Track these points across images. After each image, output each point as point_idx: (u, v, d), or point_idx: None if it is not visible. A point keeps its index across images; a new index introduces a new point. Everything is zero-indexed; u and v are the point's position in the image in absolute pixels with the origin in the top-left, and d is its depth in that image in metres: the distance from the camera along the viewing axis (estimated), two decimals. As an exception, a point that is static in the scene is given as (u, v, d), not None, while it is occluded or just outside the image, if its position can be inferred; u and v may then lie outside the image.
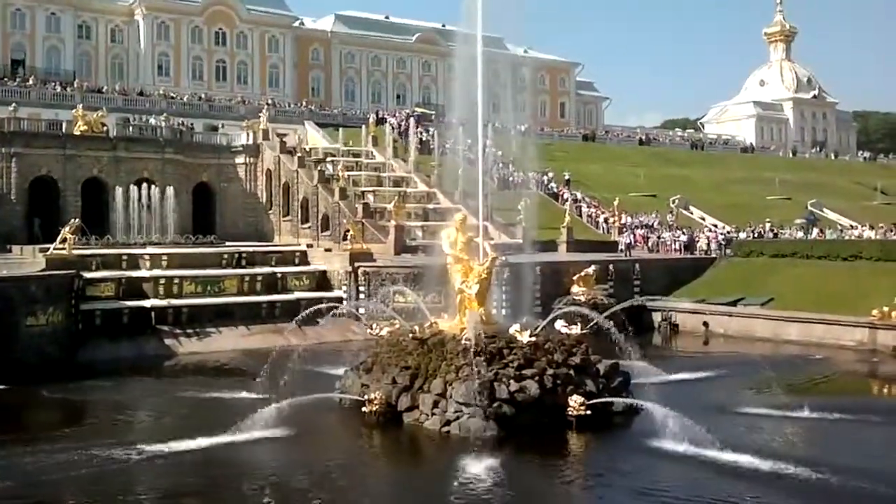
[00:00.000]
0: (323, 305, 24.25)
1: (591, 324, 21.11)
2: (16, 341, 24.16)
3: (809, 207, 59.64)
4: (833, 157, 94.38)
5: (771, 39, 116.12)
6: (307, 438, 17.42)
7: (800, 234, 48.80)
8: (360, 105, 76.91)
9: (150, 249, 32.85)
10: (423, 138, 55.53)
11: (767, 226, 50.05)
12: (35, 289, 25.44)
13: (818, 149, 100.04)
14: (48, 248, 28.74)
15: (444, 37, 77.09)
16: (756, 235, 47.25)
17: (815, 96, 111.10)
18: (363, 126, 54.83)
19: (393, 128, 55.37)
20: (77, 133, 41.39)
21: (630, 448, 17.04)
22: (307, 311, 23.99)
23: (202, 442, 16.15)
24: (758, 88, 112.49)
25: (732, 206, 56.72)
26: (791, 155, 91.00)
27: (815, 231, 50.14)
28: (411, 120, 57.74)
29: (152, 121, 48.36)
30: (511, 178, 53.38)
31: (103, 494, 13.96)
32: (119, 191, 38.74)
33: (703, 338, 33.19)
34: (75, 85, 58.17)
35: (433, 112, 71.46)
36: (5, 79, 58.11)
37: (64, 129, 41.52)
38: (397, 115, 65.65)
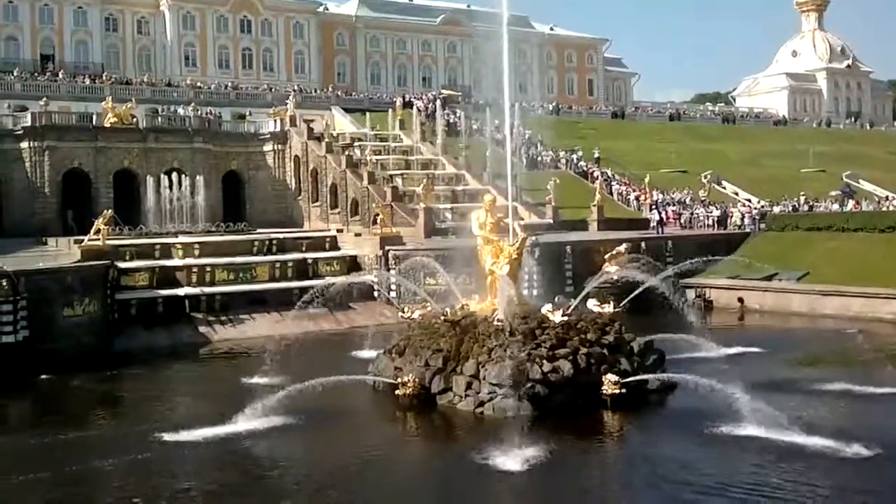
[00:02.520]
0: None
1: (624, 302, 20.93)
2: (54, 332, 24.44)
3: (845, 179, 58.66)
4: (868, 128, 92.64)
5: (803, 9, 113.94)
6: (343, 423, 17.47)
7: (835, 207, 48.08)
8: (387, 89, 76.71)
9: (182, 238, 33.07)
10: (451, 120, 55.33)
11: (802, 199, 49.37)
12: (71, 280, 25.68)
13: (853, 119, 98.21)
14: (83, 240, 29.02)
15: (469, 17, 76.57)
16: (791, 209, 46.59)
17: (848, 66, 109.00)
18: (390, 110, 54.77)
19: (420, 111, 55.22)
20: (107, 125, 41.83)
21: (669, 427, 16.86)
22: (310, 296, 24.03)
23: (240, 426, 16.23)
24: (790, 59, 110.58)
25: (766, 180, 55.98)
26: (825, 126, 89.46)
27: (851, 203, 49.38)
28: (438, 102, 57.51)
29: (180, 111, 48.65)
30: (540, 158, 53.08)
31: (140, 481, 14.11)
32: (150, 181, 39.07)
33: (738, 313, 32.82)
34: (104, 78, 58.62)
35: (460, 94, 71.12)
36: (35, 74, 58.69)
37: (94, 122, 41.99)
38: (424, 97, 65.43)
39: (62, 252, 31.57)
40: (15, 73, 56.42)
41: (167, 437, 15.90)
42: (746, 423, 15.23)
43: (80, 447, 16.18)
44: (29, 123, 40.75)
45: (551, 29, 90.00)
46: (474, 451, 14.50)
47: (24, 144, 40.46)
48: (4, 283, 23.00)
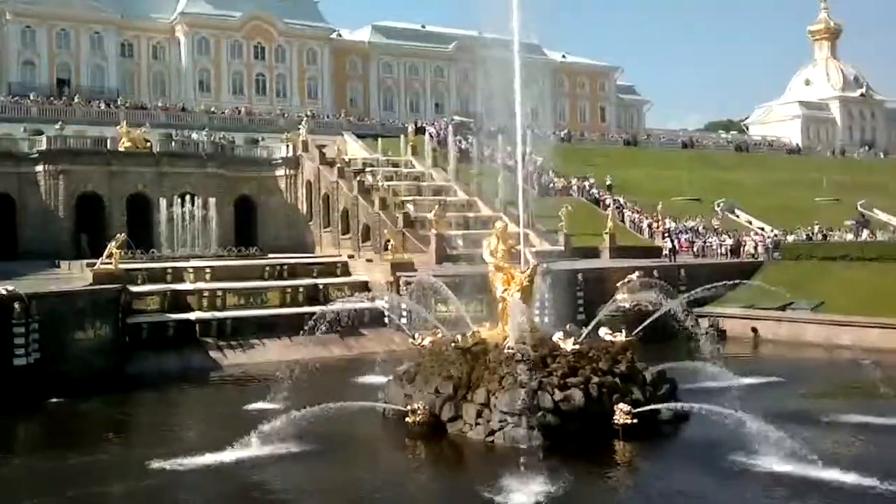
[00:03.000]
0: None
1: (637, 330, 20.75)
2: (65, 355, 24.45)
3: (859, 208, 58.30)
4: (883, 156, 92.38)
5: (815, 38, 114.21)
6: (351, 450, 17.33)
7: (850, 236, 47.71)
8: (399, 115, 77.13)
9: (194, 263, 33.12)
10: (463, 146, 55.43)
11: (816, 228, 49.04)
12: (83, 303, 25.76)
13: (867, 148, 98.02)
14: (95, 263, 29.07)
15: (481, 44, 76.95)
16: (805, 238, 46.30)
17: (862, 94, 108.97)
18: (402, 136, 54.95)
19: (432, 137, 55.33)
20: (122, 149, 42.11)
21: (682, 459, 16.63)
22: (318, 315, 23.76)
23: (247, 453, 16.09)
24: (803, 88, 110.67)
25: (780, 209, 55.65)
26: (839, 155, 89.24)
27: (866, 233, 48.99)
28: (450, 128, 57.66)
29: (194, 136, 48.95)
30: (552, 185, 53.04)
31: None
32: (163, 205, 39.23)
33: (751, 343, 32.53)
34: (119, 102, 59.20)
35: (472, 120, 71.34)
36: (52, 98, 59.32)
37: (109, 146, 42.25)
38: (436, 123, 65.65)
39: (75, 275, 31.64)
40: (31, 97, 57.02)
41: (174, 463, 15.77)
42: (762, 455, 15.00)
43: (87, 472, 16.08)
44: (44, 147, 41.08)
45: (563, 56, 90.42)
46: (484, 484, 14.28)
47: (39, 168, 40.76)
48: (17, 306, 23.03)
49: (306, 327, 22.61)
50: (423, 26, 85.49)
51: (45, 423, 21.10)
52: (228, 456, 16.01)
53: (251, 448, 16.19)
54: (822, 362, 28.44)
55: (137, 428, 20.75)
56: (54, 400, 22.10)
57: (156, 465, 15.75)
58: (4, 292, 23.25)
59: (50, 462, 16.70)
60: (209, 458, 15.96)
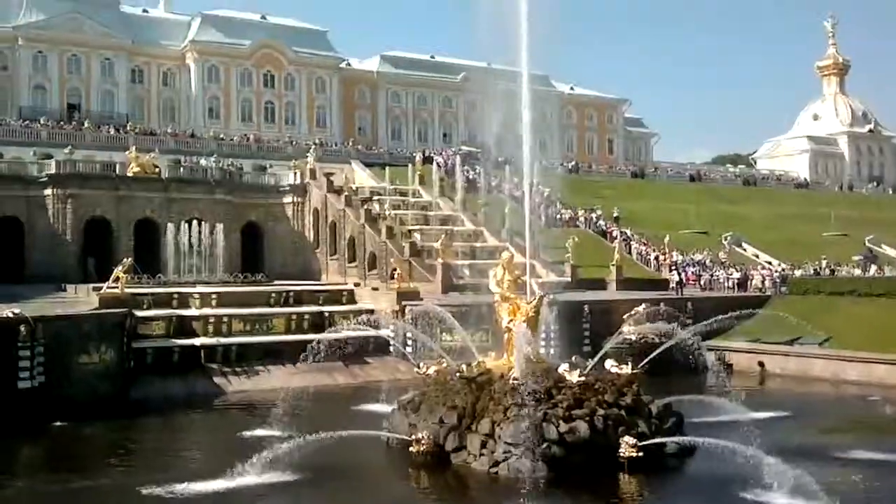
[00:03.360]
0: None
1: (643, 363, 20.65)
2: (69, 378, 24.40)
3: (867, 244, 58.21)
4: (891, 192, 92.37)
5: (824, 73, 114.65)
6: (355, 479, 17.19)
7: (858, 272, 47.60)
8: (407, 144, 77.52)
9: (200, 288, 33.13)
10: (470, 176, 55.59)
11: (824, 263, 48.93)
12: (88, 327, 25.74)
13: (875, 184, 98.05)
14: (101, 287, 29.13)
15: (490, 75, 77.42)
16: (812, 273, 46.18)
17: (870, 130, 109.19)
18: (410, 165, 55.12)
19: (439, 166, 55.57)
20: (130, 174, 42.26)
21: (688, 493, 16.46)
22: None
23: (250, 480, 15.99)
24: (811, 123, 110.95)
25: (787, 243, 55.61)
26: (847, 190, 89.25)
27: (874, 268, 48.88)
28: (458, 158, 57.88)
29: (203, 162, 49.21)
30: (559, 216, 53.10)
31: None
32: (170, 230, 39.33)
33: (758, 377, 32.33)
34: (128, 128, 59.62)
35: (480, 150, 71.58)
36: (62, 122, 59.78)
37: (118, 171, 42.43)
38: (444, 153, 65.93)
39: (81, 299, 31.67)
40: (42, 122, 57.47)
41: (174, 490, 15.67)
42: (769, 490, 14.83)
43: (87, 496, 15.98)
44: (53, 171, 41.29)
45: (571, 88, 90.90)
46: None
47: (48, 191, 40.94)
48: (22, 329, 23.02)
49: (309, 353, 22.53)
50: (432, 56, 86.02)
51: (48, 447, 20.99)
52: (230, 483, 15.88)
53: (252, 476, 16.07)
54: (830, 397, 28.26)
55: (140, 453, 20.60)
56: (58, 423, 22.02)
57: (156, 491, 15.65)
58: (10, 315, 23.27)
59: (51, 486, 16.59)
60: (212, 485, 15.85)
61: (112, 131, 58.13)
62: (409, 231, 43.02)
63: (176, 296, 31.96)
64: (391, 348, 31.28)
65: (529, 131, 23.48)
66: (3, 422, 20.82)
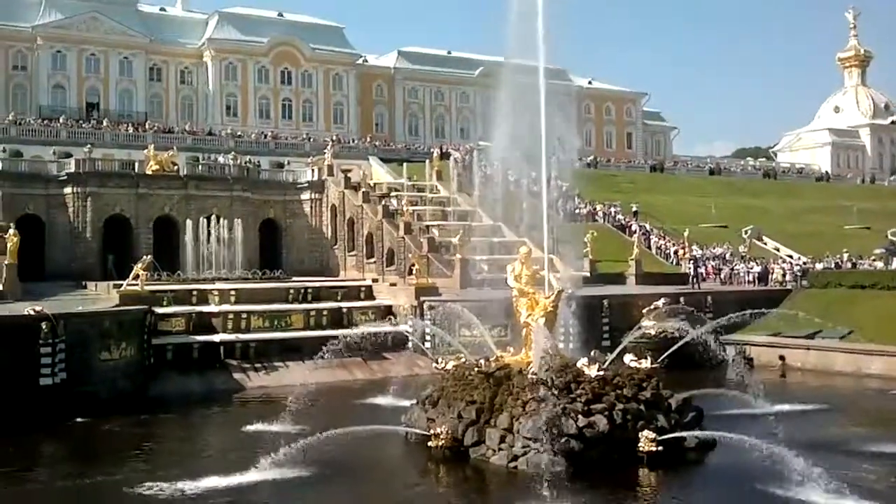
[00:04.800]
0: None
1: (662, 357, 20.51)
2: (90, 375, 24.58)
3: (890, 237, 57.52)
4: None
5: (845, 65, 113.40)
6: (374, 474, 17.23)
7: (880, 265, 47.05)
8: (424, 139, 77.45)
9: (219, 285, 33.28)
10: (488, 172, 55.40)
11: (845, 256, 48.43)
12: (109, 324, 25.92)
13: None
14: (121, 285, 29.34)
15: (507, 70, 77.20)
16: (833, 266, 45.73)
17: (892, 122, 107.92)
18: (427, 160, 55.04)
19: (457, 161, 55.41)
20: (149, 172, 42.49)
21: (707, 487, 16.34)
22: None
23: (269, 475, 16.02)
24: (832, 115, 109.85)
25: (808, 236, 55.07)
26: (869, 183, 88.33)
27: (896, 261, 48.28)
28: (475, 153, 57.69)
29: (221, 159, 49.38)
30: (577, 211, 52.86)
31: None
32: (189, 227, 39.53)
33: (778, 371, 32.04)
34: (147, 126, 59.93)
35: (496, 145, 71.35)
36: (80, 121, 60.21)
37: (136, 169, 42.69)
38: (461, 149, 65.79)
39: (101, 296, 31.90)
40: (61, 120, 57.89)
41: (194, 484, 15.74)
42: (788, 484, 14.70)
43: (106, 492, 16.09)
44: (73, 169, 41.60)
45: (590, 82, 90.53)
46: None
47: (68, 190, 41.26)
48: (44, 326, 23.20)
49: (328, 350, 22.56)
50: (449, 52, 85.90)
51: (69, 443, 21.13)
52: (249, 478, 15.95)
53: (272, 470, 16.10)
54: (852, 391, 27.99)
55: (160, 449, 20.69)
56: (79, 419, 22.21)
57: (175, 486, 15.70)
58: (32, 312, 23.47)
59: (70, 481, 16.74)
60: (230, 480, 15.90)
61: (130, 129, 58.48)
62: (427, 226, 42.96)
63: (195, 293, 32.14)
64: (409, 344, 31.29)
65: (547, 125, 23.31)
66: (26, 418, 21.05)
